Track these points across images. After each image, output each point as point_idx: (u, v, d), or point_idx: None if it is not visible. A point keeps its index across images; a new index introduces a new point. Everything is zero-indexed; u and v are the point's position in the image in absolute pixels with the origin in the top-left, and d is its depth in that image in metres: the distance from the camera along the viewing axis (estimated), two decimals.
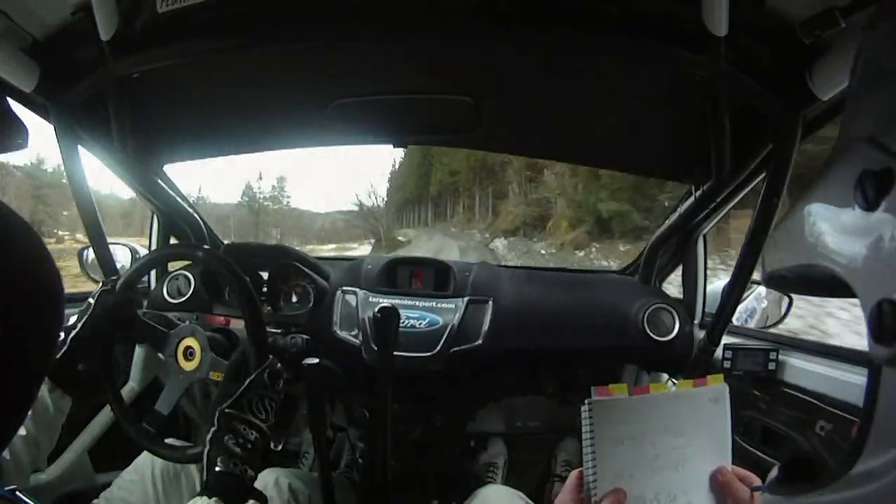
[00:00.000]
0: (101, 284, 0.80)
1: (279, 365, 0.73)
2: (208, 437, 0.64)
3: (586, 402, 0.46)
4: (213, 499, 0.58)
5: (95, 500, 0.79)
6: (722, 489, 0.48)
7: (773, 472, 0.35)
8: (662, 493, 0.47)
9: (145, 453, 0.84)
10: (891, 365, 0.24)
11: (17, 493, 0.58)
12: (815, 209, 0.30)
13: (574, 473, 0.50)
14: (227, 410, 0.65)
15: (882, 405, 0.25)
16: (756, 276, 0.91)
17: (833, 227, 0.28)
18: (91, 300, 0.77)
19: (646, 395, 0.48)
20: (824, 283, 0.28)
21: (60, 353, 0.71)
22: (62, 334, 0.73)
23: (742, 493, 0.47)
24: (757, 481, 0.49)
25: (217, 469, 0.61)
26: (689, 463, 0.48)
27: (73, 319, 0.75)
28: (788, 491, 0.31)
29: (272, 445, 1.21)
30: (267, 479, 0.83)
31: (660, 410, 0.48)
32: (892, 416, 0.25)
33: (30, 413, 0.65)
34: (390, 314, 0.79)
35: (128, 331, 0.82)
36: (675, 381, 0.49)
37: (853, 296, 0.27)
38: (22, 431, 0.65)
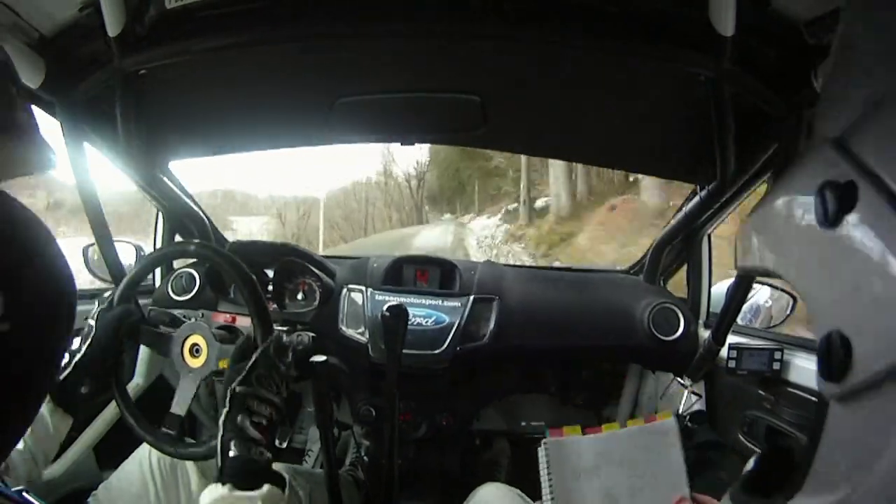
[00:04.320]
0: (97, 304, 0.79)
1: (284, 338, 0.71)
2: (221, 419, 0.61)
3: (542, 442, 0.51)
4: (227, 486, 0.56)
5: (95, 492, 0.79)
6: None
7: (749, 465, 0.37)
8: None
9: (144, 445, 0.84)
10: (839, 401, 0.22)
11: (24, 493, 0.58)
12: (778, 210, 0.28)
13: None
14: (238, 389, 0.62)
15: (826, 444, 0.23)
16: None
17: (793, 237, 0.26)
18: (91, 321, 0.76)
19: (598, 434, 0.53)
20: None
21: (64, 376, 0.71)
22: (66, 356, 0.72)
23: None
24: None
25: (231, 454, 0.58)
26: (645, 492, 0.51)
27: (76, 343, 0.74)
28: (746, 501, 0.32)
29: (276, 442, 1.21)
30: None
31: (612, 446, 0.52)
32: (834, 457, 0.23)
33: (29, 429, 0.64)
34: (399, 313, 0.79)
35: (133, 340, 0.81)
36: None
37: None
38: (20, 445, 0.64)
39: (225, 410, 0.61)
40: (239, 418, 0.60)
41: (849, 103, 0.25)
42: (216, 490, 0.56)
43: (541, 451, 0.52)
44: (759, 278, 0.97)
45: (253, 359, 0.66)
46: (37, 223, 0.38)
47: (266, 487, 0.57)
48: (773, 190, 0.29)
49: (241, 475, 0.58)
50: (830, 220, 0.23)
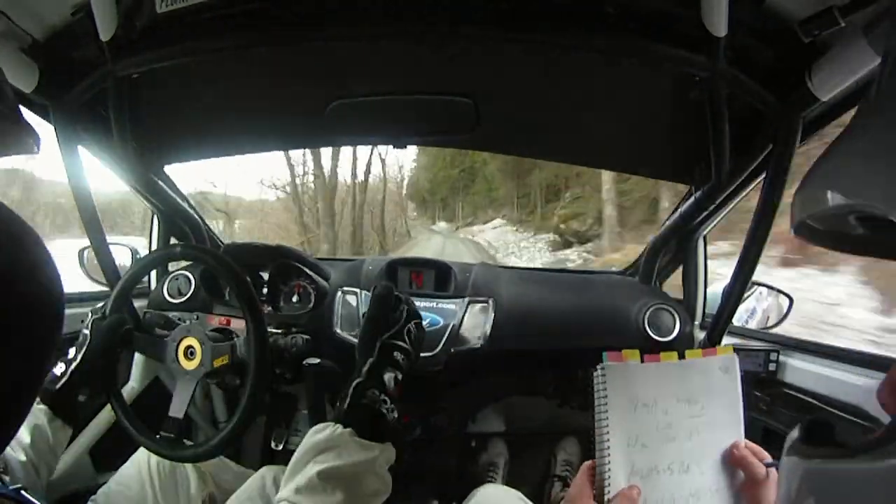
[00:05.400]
0: (90, 313, 0.80)
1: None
2: (365, 367, 0.60)
3: (598, 367, 0.46)
4: (349, 429, 0.55)
5: (93, 497, 0.79)
6: (737, 464, 0.47)
7: (794, 433, 0.33)
8: (675, 462, 0.47)
9: (142, 449, 0.84)
10: None
11: (22, 492, 0.58)
12: (876, 141, 0.25)
13: (586, 465, 0.49)
14: (388, 340, 0.62)
15: None
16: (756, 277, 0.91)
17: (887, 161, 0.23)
18: (85, 331, 0.77)
19: (657, 362, 0.47)
20: (856, 237, 0.25)
21: (60, 384, 0.71)
22: (62, 366, 0.73)
23: (757, 469, 0.47)
24: (769, 457, 0.48)
25: (364, 402, 0.58)
26: (702, 433, 0.47)
27: (72, 352, 0.75)
28: (815, 453, 0.29)
29: (273, 444, 1.19)
30: (265, 478, 0.83)
31: (672, 378, 0.47)
32: None
33: (29, 441, 0.66)
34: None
35: (127, 348, 0.83)
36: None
37: (883, 255, 0.24)
38: (21, 457, 0.65)
39: (371, 360, 0.60)
40: (384, 373, 0.60)
41: None
42: (334, 429, 0.55)
43: (597, 376, 0.46)
44: (754, 279, 0.96)
45: (405, 314, 0.65)
46: (23, 226, 0.38)
47: (387, 444, 0.57)
48: (860, 124, 0.27)
49: (367, 425, 0.56)
50: None
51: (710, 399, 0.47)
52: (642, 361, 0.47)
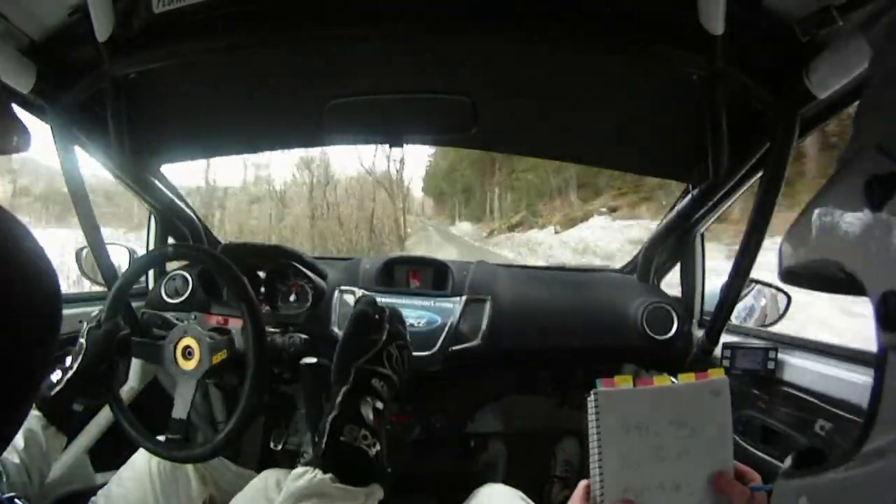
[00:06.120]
0: (86, 322, 0.80)
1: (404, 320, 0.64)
2: (339, 398, 0.53)
3: (592, 392, 0.48)
4: (328, 475, 0.49)
5: (94, 498, 0.79)
6: (722, 491, 0.49)
7: (787, 462, 0.37)
8: (667, 482, 0.49)
9: (142, 451, 0.84)
10: None
11: (16, 500, 0.58)
12: (826, 210, 0.32)
13: (582, 484, 0.51)
14: (364, 366, 0.55)
15: (889, 387, 0.27)
16: (754, 274, 0.91)
17: (842, 226, 0.30)
18: (81, 339, 0.76)
19: (649, 386, 0.50)
20: (834, 280, 0.31)
21: (55, 391, 0.71)
22: (59, 373, 0.72)
23: (741, 493, 0.48)
24: (757, 479, 0.50)
25: (342, 439, 0.51)
26: (692, 454, 0.49)
27: (68, 360, 0.75)
28: (799, 475, 0.33)
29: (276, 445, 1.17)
30: (267, 480, 0.82)
31: (663, 402, 0.50)
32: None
33: (23, 445, 0.66)
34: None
35: (125, 354, 0.81)
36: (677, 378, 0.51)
37: (862, 293, 0.28)
38: (15, 460, 0.64)
39: (345, 388, 0.53)
40: (361, 403, 0.53)
41: (885, 115, 0.30)
42: (313, 475, 0.49)
43: (590, 401, 0.48)
44: (752, 277, 0.96)
45: (386, 335, 0.57)
46: (13, 220, 0.37)
47: (373, 486, 0.51)
48: (821, 193, 0.33)
49: (347, 466, 0.50)
50: (877, 204, 0.27)
51: (700, 422, 0.49)
52: (635, 386, 0.49)
